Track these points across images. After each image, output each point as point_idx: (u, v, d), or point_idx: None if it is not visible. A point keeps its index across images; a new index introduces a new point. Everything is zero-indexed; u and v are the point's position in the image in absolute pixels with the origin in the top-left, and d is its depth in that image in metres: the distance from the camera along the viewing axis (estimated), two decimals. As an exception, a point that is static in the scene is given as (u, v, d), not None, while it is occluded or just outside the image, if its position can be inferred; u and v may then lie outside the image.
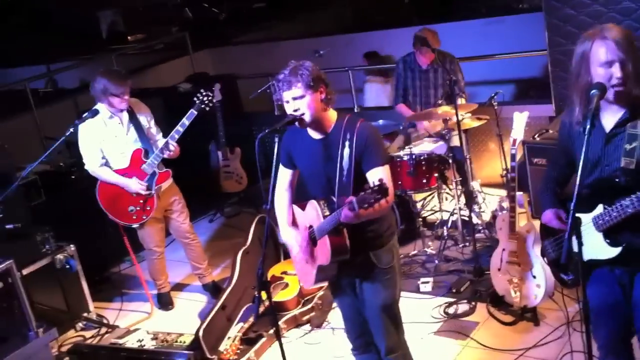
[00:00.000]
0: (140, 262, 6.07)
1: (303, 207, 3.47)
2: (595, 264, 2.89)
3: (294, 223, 3.57)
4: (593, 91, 2.65)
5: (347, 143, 3.21)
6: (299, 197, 3.56)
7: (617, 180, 2.74)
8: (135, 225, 5.31)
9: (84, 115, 5.01)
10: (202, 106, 5.18)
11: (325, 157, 3.31)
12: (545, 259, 3.31)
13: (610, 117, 2.77)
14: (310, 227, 3.39)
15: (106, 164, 5.20)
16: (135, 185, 5.13)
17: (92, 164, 5.18)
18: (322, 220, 3.27)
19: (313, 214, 3.35)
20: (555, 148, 3.23)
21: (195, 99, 5.19)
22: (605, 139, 2.77)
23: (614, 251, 2.79)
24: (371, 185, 2.90)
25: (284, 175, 3.57)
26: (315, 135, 3.34)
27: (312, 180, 3.46)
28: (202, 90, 5.22)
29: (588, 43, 2.69)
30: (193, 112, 5.11)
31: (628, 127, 2.71)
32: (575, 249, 2.66)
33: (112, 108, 5.06)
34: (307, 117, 3.23)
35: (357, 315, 3.60)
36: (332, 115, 3.32)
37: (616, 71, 2.63)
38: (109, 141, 5.14)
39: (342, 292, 3.58)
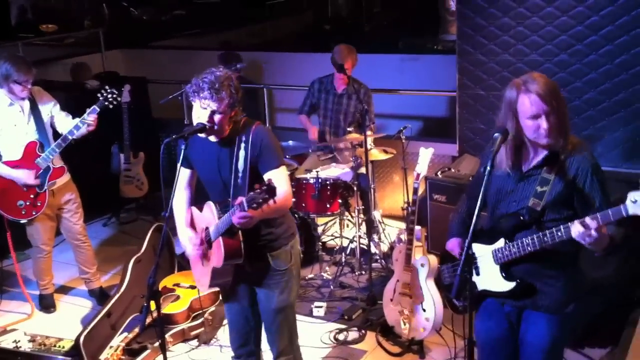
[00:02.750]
0: (25, 260, 5.81)
1: (201, 209, 3.45)
2: (488, 295, 2.98)
3: (192, 225, 3.51)
4: (496, 134, 2.76)
5: (242, 145, 3.23)
6: (200, 201, 3.52)
7: (521, 217, 2.85)
8: (23, 221, 5.08)
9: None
10: (106, 103, 5.02)
11: (221, 160, 3.30)
12: (440, 283, 3.38)
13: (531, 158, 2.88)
14: (207, 228, 3.37)
15: None
16: (22, 175, 4.90)
17: None
18: (217, 222, 3.25)
19: (209, 215, 3.33)
20: (471, 181, 3.33)
21: (99, 95, 5.03)
22: (519, 176, 2.88)
23: (508, 285, 2.89)
24: (264, 184, 2.92)
25: (182, 175, 3.51)
26: (212, 138, 3.31)
27: (210, 185, 3.44)
28: (107, 87, 5.07)
29: (514, 93, 2.76)
30: (95, 109, 4.94)
31: (543, 171, 2.82)
32: (471, 278, 2.76)
33: (12, 95, 4.84)
34: (218, 127, 3.21)
35: (245, 322, 3.59)
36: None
37: (542, 123, 2.72)
38: (7, 130, 4.91)
39: (234, 298, 3.56)
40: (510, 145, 2.83)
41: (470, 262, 2.73)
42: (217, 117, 3.18)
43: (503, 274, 2.90)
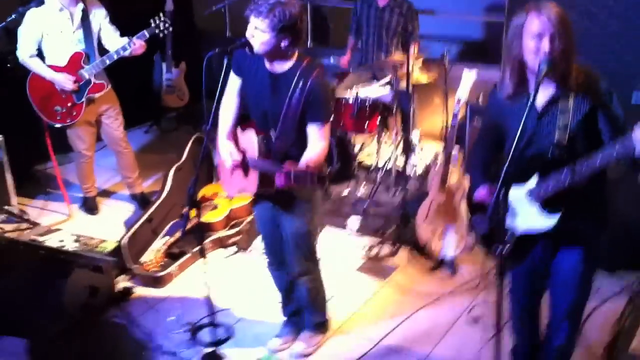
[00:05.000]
0: (68, 164, 5.95)
1: (244, 128, 3.49)
2: (529, 235, 2.96)
3: (235, 139, 3.56)
4: (542, 66, 2.69)
5: (298, 89, 3.22)
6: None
7: (550, 154, 2.81)
8: (57, 125, 5.18)
9: (30, 3, 4.83)
10: (157, 31, 5.04)
11: (273, 92, 3.30)
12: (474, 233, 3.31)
13: (541, 94, 2.81)
14: (245, 152, 3.43)
15: (40, 55, 5.03)
16: (62, 79, 4.98)
17: (24, 53, 5.00)
18: (256, 157, 3.32)
19: (250, 143, 3.37)
20: (481, 127, 3.30)
21: (152, 21, 5.02)
22: (537, 116, 2.83)
23: (552, 220, 2.85)
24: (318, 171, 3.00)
25: (234, 83, 3.49)
26: (269, 66, 3.31)
27: (253, 105, 3.45)
28: (161, 15, 5.06)
29: (523, 16, 2.72)
30: (145, 34, 4.96)
31: (559, 103, 2.78)
32: (507, 222, 2.79)
33: None
34: (257, 49, 3.19)
35: (275, 232, 3.68)
36: (292, 56, 3.28)
37: (545, 45, 2.66)
38: (53, 35, 4.96)
39: (263, 209, 3.66)
40: (514, 72, 2.79)
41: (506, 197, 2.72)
42: (258, 35, 3.15)
43: (546, 209, 2.86)
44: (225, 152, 3.51)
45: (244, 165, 3.44)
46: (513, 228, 2.97)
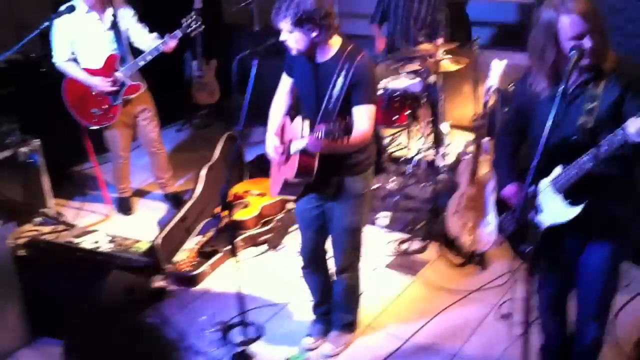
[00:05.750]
0: (104, 164, 6.05)
1: (292, 119, 3.53)
2: (554, 230, 2.90)
3: (282, 133, 3.60)
4: (572, 52, 2.64)
5: (343, 73, 3.24)
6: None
7: (574, 138, 2.75)
8: (94, 127, 5.27)
9: (61, 9, 4.90)
10: (187, 31, 5.06)
11: (319, 80, 3.33)
12: (502, 234, 3.28)
13: (571, 80, 2.75)
14: (291, 141, 3.45)
15: (76, 61, 5.11)
16: (99, 82, 5.05)
17: (59, 57, 5.09)
18: (299, 139, 3.33)
19: (297, 129, 3.40)
20: (507, 115, 3.25)
21: (184, 21, 5.03)
22: (567, 101, 2.76)
23: (575, 210, 2.79)
24: (345, 121, 3.00)
25: (285, 82, 3.59)
26: (313, 57, 3.34)
27: (304, 98, 3.50)
28: (193, 14, 5.07)
29: (554, 14, 2.64)
30: (177, 34, 4.97)
31: (589, 87, 2.72)
32: (534, 219, 2.76)
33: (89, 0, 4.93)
34: (294, 50, 3.26)
35: (315, 234, 3.71)
36: (334, 42, 3.31)
37: (587, 43, 2.61)
38: (84, 38, 5.03)
39: (308, 206, 3.65)
40: (551, 72, 2.73)
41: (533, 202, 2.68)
42: (288, 37, 3.21)
43: (568, 201, 2.80)
44: (271, 147, 3.54)
45: (287, 155, 3.46)
46: (539, 223, 2.92)
